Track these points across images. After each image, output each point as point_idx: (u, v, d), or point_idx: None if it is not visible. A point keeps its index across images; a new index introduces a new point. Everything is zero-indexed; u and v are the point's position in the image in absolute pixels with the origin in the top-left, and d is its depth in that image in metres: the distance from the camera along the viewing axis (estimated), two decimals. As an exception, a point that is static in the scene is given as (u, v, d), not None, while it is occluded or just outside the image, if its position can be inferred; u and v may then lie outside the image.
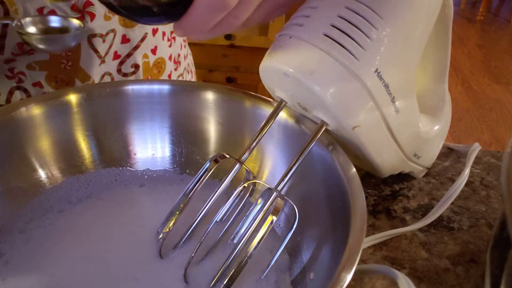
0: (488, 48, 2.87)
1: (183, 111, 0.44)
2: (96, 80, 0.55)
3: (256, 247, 0.32)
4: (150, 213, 0.40)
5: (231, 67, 1.59)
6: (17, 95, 0.52)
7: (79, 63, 0.53)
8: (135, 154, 0.45)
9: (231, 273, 0.32)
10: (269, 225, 0.32)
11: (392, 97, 0.36)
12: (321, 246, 0.35)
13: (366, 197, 0.45)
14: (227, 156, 0.37)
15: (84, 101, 0.42)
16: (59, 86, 0.53)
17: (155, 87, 0.44)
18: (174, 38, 0.63)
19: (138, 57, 0.57)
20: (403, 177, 0.49)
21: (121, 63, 0.57)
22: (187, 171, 0.45)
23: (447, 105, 0.48)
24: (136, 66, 0.58)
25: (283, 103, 0.38)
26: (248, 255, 0.32)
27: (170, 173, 0.45)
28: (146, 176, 0.45)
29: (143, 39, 0.57)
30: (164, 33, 0.60)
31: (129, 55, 0.57)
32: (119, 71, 0.57)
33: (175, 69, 0.65)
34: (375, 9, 0.34)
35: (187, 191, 0.36)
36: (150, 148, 0.45)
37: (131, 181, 0.44)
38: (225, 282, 0.32)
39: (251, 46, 1.51)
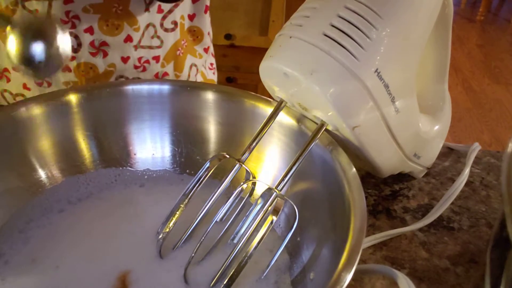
0: (488, 48, 2.87)
1: (183, 111, 0.44)
2: (142, 28, 0.57)
3: (256, 247, 0.32)
4: (150, 213, 0.40)
5: (231, 67, 1.59)
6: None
7: (129, 7, 0.55)
8: (135, 154, 0.45)
9: (231, 273, 0.32)
10: (269, 225, 0.32)
11: (392, 97, 0.36)
12: (321, 246, 0.34)
13: (366, 197, 0.45)
14: (227, 156, 0.37)
15: (84, 101, 0.42)
16: (109, 30, 0.55)
17: (155, 87, 0.44)
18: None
19: (177, 15, 0.60)
20: (403, 177, 0.49)
21: (164, 17, 0.59)
22: (187, 171, 0.45)
23: (447, 105, 0.48)
24: (175, 24, 0.60)
25: (283, 103, 0.38)
26: (248, 255, 0.32)
27: (170, 173, 0.45)
28: (146, 176, 0.45)
29: None
30: (207, 7, 0.63)
31: (170, 11, 0.59)
32: (161, 25, 0.59)
33: (207, 50, 0.69)
34: (375, 9, 0.34)
35: (187, 191, 0.36)
36: (150, 148, 0.45)
37: (131, 181, 0.44)
38: (225, 282, 0.32)
39: (251, 46, 1.51)
